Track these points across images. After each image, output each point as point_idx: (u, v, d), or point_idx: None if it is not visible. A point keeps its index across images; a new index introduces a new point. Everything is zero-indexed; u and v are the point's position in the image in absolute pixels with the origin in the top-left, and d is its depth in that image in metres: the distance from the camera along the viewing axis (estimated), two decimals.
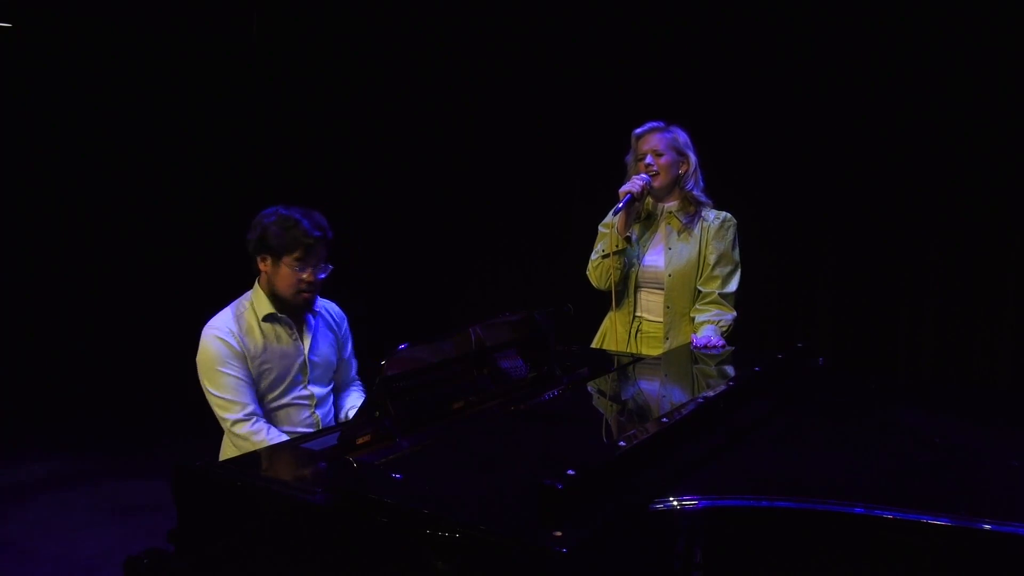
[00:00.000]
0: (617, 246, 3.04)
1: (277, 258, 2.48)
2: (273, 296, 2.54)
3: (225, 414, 2.45)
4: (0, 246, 5.73)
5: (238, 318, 2.52)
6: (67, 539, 3.74)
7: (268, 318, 2.53)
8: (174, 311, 5.94)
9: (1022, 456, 1.85)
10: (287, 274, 2.49)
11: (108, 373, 5.84)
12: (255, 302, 2.55)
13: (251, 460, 1.93)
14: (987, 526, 1.44)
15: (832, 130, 4.26)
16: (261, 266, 2.53)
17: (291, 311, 2.57)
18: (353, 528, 1.50)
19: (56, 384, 5.73)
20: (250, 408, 2.46)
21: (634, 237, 3.11)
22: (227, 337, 2.45)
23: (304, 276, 2.49)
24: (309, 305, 2.59)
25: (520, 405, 2.29)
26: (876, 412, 2.28)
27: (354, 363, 2.83)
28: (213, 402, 2.46)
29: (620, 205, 2.99)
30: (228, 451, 2.56)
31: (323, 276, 2.54)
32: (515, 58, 5.12)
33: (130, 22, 5.63)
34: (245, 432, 2.43)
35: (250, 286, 2.63)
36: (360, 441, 1.99)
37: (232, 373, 2.45)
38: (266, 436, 2.44)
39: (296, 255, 2.46)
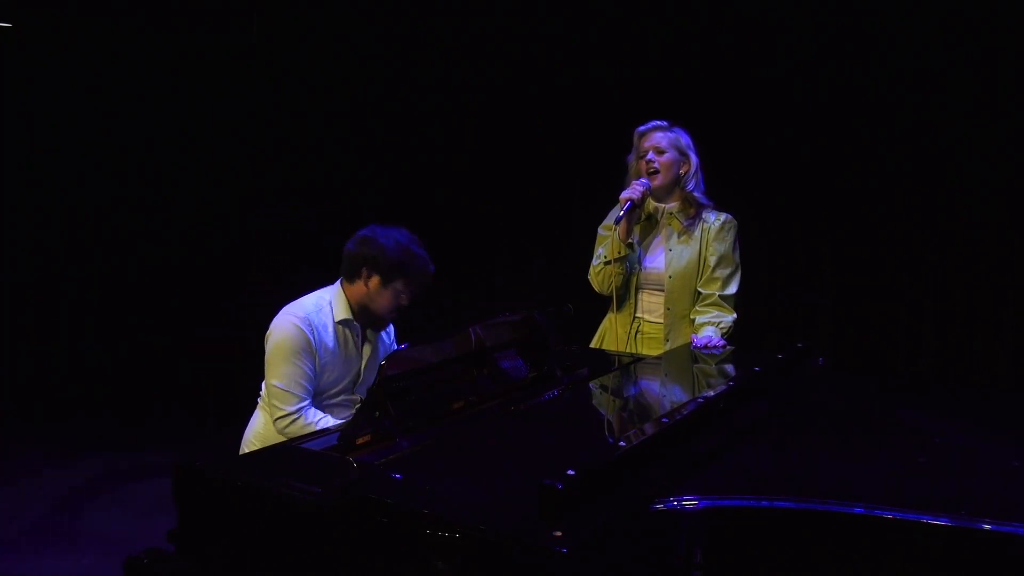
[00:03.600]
0: (619, 252, 3.04)
1: (387, 281, 2.55)
2: (360, 307, 2.60)
3: (279, 403, 2.50)
4: (1, 246, 5.74)
5: (319, 311, 2.57)
6: (68, 539, 3.74)
7: (343, 322, 2.60)
8: (174, 311, 5.95)
9: (1022, 456, 1.85)
10: (391, 297, 2.57)
11: (108, 373, 5.84)
12: (335, 303, 2.60)
13: (251, 460, 1.93)
14: (987, 526, 1.44)
15: (832, 130, 4.26)
16: (364, 281, 2.57)
17: (366, 322, 2.64)
18: (353, 528, 1.50)
19: (57, 384, 5.73)
20: (304, 403, 2.52)
21: (635, 240, 3.11)
22: (305, 327, 2.51)
23: (403, 302, 2.59)
24: (389, 324, 2.72)
25: (520, 405, 2.30)
26: (876, 412, 2.28)
27: None
28: (271, 390, 2.52)
29: (621, 213, 2.98)
30: (254, 443, 2.61)
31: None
32: (515, 58, 5.12)
33: (130, 22, 5.62)
34: (290, 421, 2.49)
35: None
36: (360, 441, 1.99)
37: (301, 366, 2.50)
38: (313, 422, 2.50)
39: (412, 285, 2.57)
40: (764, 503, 1.53)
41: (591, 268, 3.16)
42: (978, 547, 1.46)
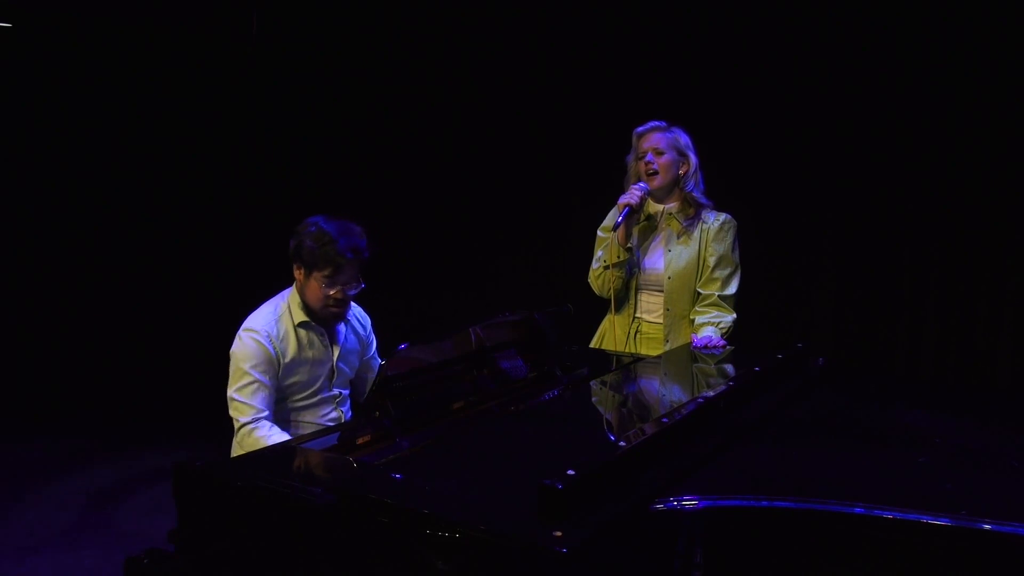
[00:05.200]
0: (619, 257, 3.04)
1: (308, 271, 2.52)
2: (304, 303, 2.59)
3: (237, 415, 2.51)
4: (1, 247, 5.74)
5: (277, 321, 2.56)
6: (68, 539, 3.74)
7: (302, 325, 2.58)
8: (172, 313, 5.95)
9: (1022, 456, 1.85)
10: (315, 288, 2.52)
11: (109, 375, 5.84)
12: (291, 306, 2.59)
13: (251, 460, 1.93)
14: (987, 526, 1.44)
15: (831, 130, 4.26)
16: (296, 274, 2.57)
17: (321, 321, 2.61)
18: (353, 528, 1.50)
19: (57, 386, 5.73)
20: (262, 415, 2.50)
21: (634, 243, 3.10)
22: (264, 341, 2.50)
23: (332, 293, 2.52)
24: (337, 319, 2.64)
25: (520, 405, 2.30)
26: (875, 412, 2.28)
27: (377, 362, 2.87)
28: (230, 399, 2.52)
29: (620, 219, 2.98)
30: (238, 448, 2.60)
31: (353, 293, 2.58)
32: (515, 58, 5.12)
33: (130, 22, 5.62)
34: (247, 432, 2.49)
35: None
36: (360, 441, 1.99)
37: (257, 378, 2.49)
38: (266, 435, 2.47)
39: (326, 272, 2.49)
40: (764, 503, 1.53)
41: (591, 271, 3.16)
42: (978, 547, 1.46)
